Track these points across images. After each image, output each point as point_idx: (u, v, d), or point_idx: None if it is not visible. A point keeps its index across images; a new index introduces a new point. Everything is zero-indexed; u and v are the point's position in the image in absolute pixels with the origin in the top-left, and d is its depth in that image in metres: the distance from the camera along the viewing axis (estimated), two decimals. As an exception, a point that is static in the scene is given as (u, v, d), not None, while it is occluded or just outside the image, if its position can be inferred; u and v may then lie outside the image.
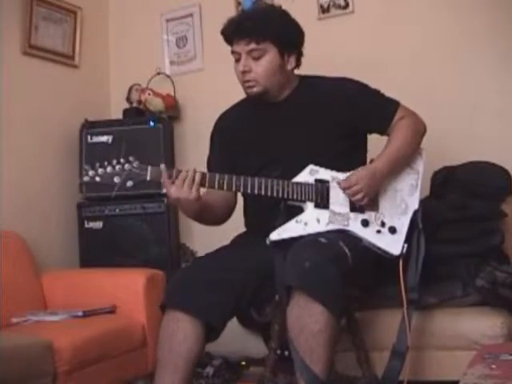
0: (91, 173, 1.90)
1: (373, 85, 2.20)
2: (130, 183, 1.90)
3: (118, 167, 1.90)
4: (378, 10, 3.16)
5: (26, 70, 3.29)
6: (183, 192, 1.91)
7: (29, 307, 2.74)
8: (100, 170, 1.89)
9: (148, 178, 1.92)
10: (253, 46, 2.05)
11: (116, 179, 1.89)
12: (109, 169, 1.90)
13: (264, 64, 2.07)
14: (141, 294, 2.72)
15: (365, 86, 2.19)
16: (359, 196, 2.03)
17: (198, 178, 1.93)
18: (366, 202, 2.05)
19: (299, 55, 2.17)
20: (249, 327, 3.08)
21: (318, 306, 1.81)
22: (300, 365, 1.83)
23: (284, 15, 2.14)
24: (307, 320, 1.82)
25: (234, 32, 2.08)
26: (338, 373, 1.92)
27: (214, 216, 2.16)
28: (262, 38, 2.05)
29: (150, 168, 1.92)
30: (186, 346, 1.95)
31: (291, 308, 1.87)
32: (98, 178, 1.90)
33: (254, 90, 2.10)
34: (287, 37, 2.10)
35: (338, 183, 2.05)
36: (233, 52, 2.11)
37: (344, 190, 2.05)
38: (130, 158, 1.91)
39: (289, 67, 2.13)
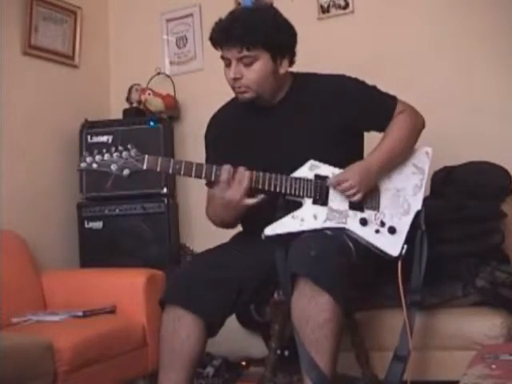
0: (89, 159, 1.90)
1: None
2: (126, 171, 1.89)
3: (115, 154, 1.89)
4: (377, 10, 3.17)
5: (26, 70, 3.29)
6: (236, 193, 1.92)
7: (29, 307, 2.74)
8: (97, 157, 1.89)
9: (144, 167, 1.90)
10: (244, 53, 2.00)
11: (113, 167, 1.89)
12: (106, 156, 1.89)
13: (256, 70, 2.02)
14: (141, 294, 2.72)
15: (362, 83, 2.16)
16: (351, 192, 2.00)
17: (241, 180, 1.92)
18: (359, 198, 2.01)
19: (292, 56, 2.11)
20: (249, 327, 3.08)
21: (324, 296, 1.80)
22: (306, 361, 1.82)
23: (275, 17, 2.07)
24: (313, 310, 1.81)
25: (222, 39, 2.02)
26: (338, 373, 1.91)
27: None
28: (253, 44, 1.99)
29: (147, 157, 1.90)
30: (188, 344, 1.95)
31: (296, 299, 1.85)
32: (95, 165, 1.90)
33: (246, 95, 2.06)
34: (279, 41, 2.04)
35: (329, 181, 2.02)
36: (223, 57, 2.06)
37: (334, 186, 2.01)
38: (129, 146, 1.90)
39: (282, 71, 2.07)
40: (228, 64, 2.05)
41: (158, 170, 1.92)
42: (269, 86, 2.07)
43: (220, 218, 2.09)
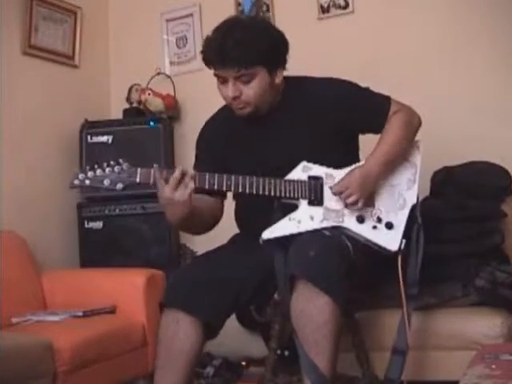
0: (81, 176, 1.88)
1: (372, 85, 2.18)
2: (119, 186, 1.88)
3: (107, 170, 1.88)
4: (378, 10, 3.17)
5: (26, 70, 3.30)
6: (177, 192, 1.87)
7: (29, 307, 2.75)
8: (90, 173, 1.87)
9: (137, 181, 1.88)
10: (242, 72, 1.97)
11: (106, 182, 1.87)
12: (98, 171, 1.87)
13: (254, 86, 2.00)
14: (141, 294, 2.72)
15: (355, 86, 2.15)
16: (352, 199, 1.99)
17: (189, 180, 1.88)
18: (361, 205, 2.01)
19: (285, 63, 2.10)
20: (249, 327, 3.08)
21: (324, 297, 1.80)
22: (306, 362, 1.82)
23: (268, 30, 2.05)
24: (312, 311, 1.81)
25: (218, 61, 1.98)
26: (338, 373, 1.91)
27: (200, 223, 2.10)
28: (251, 64, 1.97)
29: (139, 170, 1.89)
30: (186, 346, 1.95)
31: (295, 300, 1.85)
32: (87, 181, 1.88)
33: (246, 111, 2.05)
34: (275, 55, 2.03)
35: (330, 188, 2.02)
36: (216, 75, 2.02)
37: (336, 195, 2.01)
38: (120, 160, 1.89)
39: (277, 80, 2.07)
40: (223, 82, 2.02)
41: (151, 182, 1.88)
42: (267, 98, 2.06)
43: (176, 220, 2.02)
